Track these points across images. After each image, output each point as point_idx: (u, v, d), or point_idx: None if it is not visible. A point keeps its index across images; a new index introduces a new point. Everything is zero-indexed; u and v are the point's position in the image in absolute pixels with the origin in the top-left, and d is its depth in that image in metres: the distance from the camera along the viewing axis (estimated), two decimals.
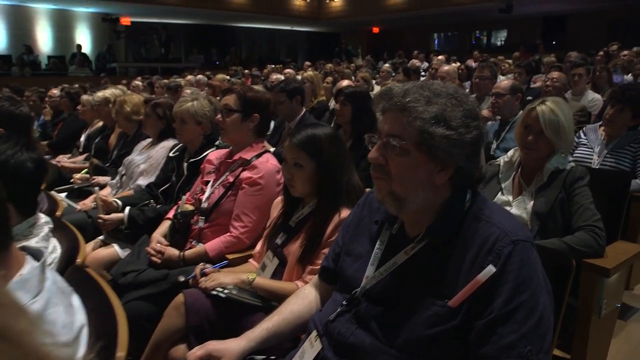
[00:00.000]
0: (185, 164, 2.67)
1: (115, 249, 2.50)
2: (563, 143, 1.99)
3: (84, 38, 16.45)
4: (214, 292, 1.63)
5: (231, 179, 2.19)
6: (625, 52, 7.13)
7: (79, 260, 1.53)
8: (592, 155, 2.86)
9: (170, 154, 2.87)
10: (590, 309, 1.80)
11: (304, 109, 3.63)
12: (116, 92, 4.24)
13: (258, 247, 1.95)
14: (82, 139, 4.66)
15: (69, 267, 1.44)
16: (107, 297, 1.25)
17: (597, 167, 2.80)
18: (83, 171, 3.82)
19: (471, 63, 9.23)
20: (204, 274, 1.74)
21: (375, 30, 20.32)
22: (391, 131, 1.11)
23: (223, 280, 1.67)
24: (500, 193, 2.12)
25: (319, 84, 4.97)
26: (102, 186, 3.49)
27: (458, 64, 8.61)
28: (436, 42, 20.77)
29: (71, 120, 5.13)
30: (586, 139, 2.96)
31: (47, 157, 4.98)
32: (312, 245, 1.67)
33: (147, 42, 15.98)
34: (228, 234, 2.10)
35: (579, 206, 1.91)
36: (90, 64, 15.20)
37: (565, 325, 1.76)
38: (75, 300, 1.12)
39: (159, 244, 2.17)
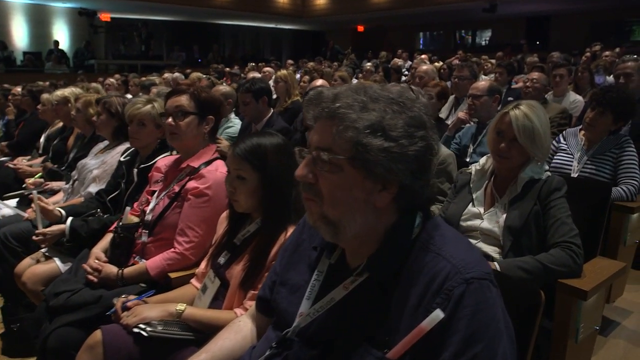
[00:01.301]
0: (135, 170, 2.46)
1: (57, 264, 2.28)
2: (538, 151, 1.83)
3: (62, 34, 16.03)
4: (136, 330, 1.42)
5: (177, 189, 1.99)
6: (607, 53, 7.04)
7: None
8: (572, 161, 2.71)
9: (121, 158, 2.65)
10: (566, 333, 1.64)
11: (272, 110, 3.43)
12: (76, 91, 4.00)
13: (202, 265, 1.76)
14: (42, 140, 4.40)
15: None
16: None
17: (577, 174, 2.65)
18: (37, 175, 3.58)
19: (455, 62, 9.09)
20: (125, 308, 1.53)
21: (360, 28, 20.15)
22: (320, 143, 0.92)
23: (147, 314, 1.47)
24: (471, 204, 1.95)
25: (293, 84, 4.77)
26: (54, 192, 3.27)
27: (440, 63, 8.47)
28: (421, 42, 20.68)
29: (32, 120, 4.87)
30: (566, 144, 2.81)
31: (5, 158, 4.75)
32: (255, 268, 1.48)
33: (126, 39, 15.61)
34: (171, 249, 1.89)
35: (555, 220, 1.75)
36: (67, 61, 14.80)
37: (539, 351, 1.59)
38: None
39: (96, 261, 1.97)
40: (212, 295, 1.60)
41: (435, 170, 2.25)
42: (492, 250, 1.82)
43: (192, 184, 1.93)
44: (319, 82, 4.55)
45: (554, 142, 2.90)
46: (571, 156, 2.73)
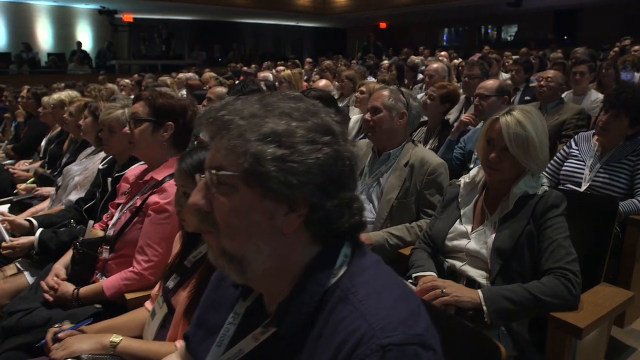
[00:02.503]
0: (109, 179, 2.34)
1: (26, 278, 2.18)
2: (533, 162, 1.61)
3: (85, 35, 16.25)
4: None
5: (139, 203, 1.85)
6: (637, 47, 6.62)
7: None
8: (584, 169, 2.46)
9: (100, 166, 2.54)
10: None
11: None
12: (72, 94, 3.94)
13: (156, 287, 1.61)
14: (43, 143, 4.36)
15: None
16: None
17: (588, 183, 2.40)
18: (29, 180, 3.52)
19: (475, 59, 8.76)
20: (57, 339, 1.40)
21: (383, 25, 19.81)
22: (212, 162, 0.77)
23: (77, 347, 1.33)
24: (458, 221, 1.74)
25: (297, 84, 4.60)
26: (45, 198, 3.19)
27: (459, 60, 8.16)
28: (445, 38, 20.21)
29: (35, 123, 4.84)
30: (577, 150, 2.56)
31: (10, 161, 4.74)
32: (199, 295, 1.32)
33: (147, 39, 15.72)
34: (129, 269, 1.76)
35: (551, 242, 1.54)
36: (90, 61, 14.99)
37: None
38: None
39: (54, 278, 1.85)
40: (159, 322, 1.46)
41: (425, 181, 2.05)
42: (478, 274, 1.62)
43: (153, 198, 1.79)
44: (322, 82, 4.40)
45: (564, 147, 2.66)
46: (583, 163, 2.48)
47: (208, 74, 7.66)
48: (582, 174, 2.44)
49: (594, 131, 2.56)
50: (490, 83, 3.17)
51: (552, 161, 2.65)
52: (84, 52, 15.06)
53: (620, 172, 2.35)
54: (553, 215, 1.57)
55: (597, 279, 1.65)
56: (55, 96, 3.95)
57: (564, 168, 2.55)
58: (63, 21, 15.85)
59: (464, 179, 1.82)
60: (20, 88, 6.48)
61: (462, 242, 1.69)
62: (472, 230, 1.69)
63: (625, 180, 2.33)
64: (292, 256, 0.79)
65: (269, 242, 0.76)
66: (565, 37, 14.98)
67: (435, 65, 4.63)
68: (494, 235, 1.62)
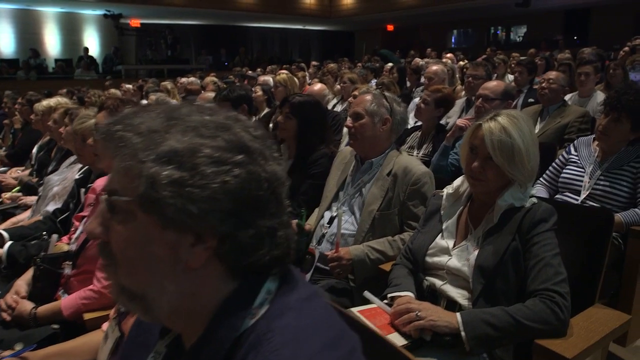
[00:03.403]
0: (82, 190, 2.25)
1: None
2: (519, 172, 1.48)
3: (92, 41, 16.35)
4: None
5: None
6: None
7: None
8: (583, 176, 2.31)
9: (77, 176, 2.45)
10: None
11: (254, 119, 3.17)
12: (62, 101, 3.87)
13: (115, 308, 1.51)
14: (34, 150, 4.30)
15: None
16: None
17: (588, 191, 2.25)
18: (14, 189, 3.45)
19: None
20: None
21: (390, 27, 19.65)
22: (108, 184, 0.67)
23: None
24: (440, 236, 1.61)
25: (293, 88, 4.48)
26: (27, 208, 3.12)
27: (464, 62, 8.00)
28: (453, 40, 20.00)
29: (30, 130, 4.79)
30: (577, 155, 2.41)
31: (4, 168, 4.69)
32: None
33: (153, 44, 15.76)
34: (89, 287, 1.66)
35: (538, 260, 1.40)
36: (96, 67, 15.06)
37: None
38: None
39: (14, 296, 1.75)
40: (110, 348, 1.35)
41: (408, 191, 1.92)
42: (459, 295, 1.49)
43: None
44: (317, 86, 4.28)
45: (563, 152, 2.51)
46: (582, 170, 2.33)
47: (209, 79, 7.57)
48: (582, 181, 2.29)
49: (594, 136, 2.41)
50: (495, 85, 3.01)
51: (550, 167, 2.51)
52: (91, 57, 15.14)
53: (621, 179, 2.20)
54: (541, 231, 1.44)
55: (591, 300, 1.51)
56: (45, 103, 3.89)
57: (562, 175, 2.40)
58: (70, 27, 15.97)
59: (447, 190, 1.69)
60: (22, 94, 6.46)
61: (442, 259, 1.55)
62: (453, 246, 1.56)
63: (627, 188, 2.18)
64: (203, 294, 0.68)
65: (173, 278, 0.66)
66: (575, 38, 14.70)
67: (434, 68, 4.49)
68: (476, 252, 1.49)
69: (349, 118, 2.04)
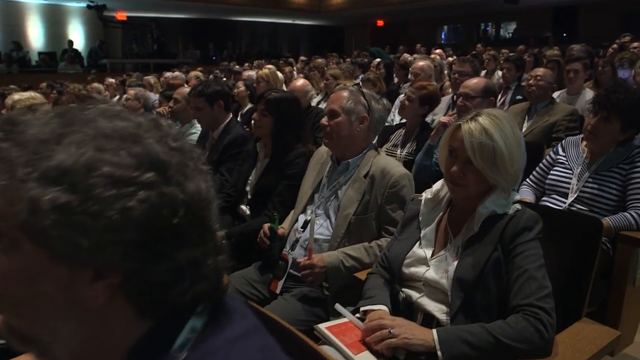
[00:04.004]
0: None
1: None
2: (501, 177, 1.37)
3: (77, 34, 16.05)
4: None
5: None
6: (636, 44, 6.37)
7: None
8: (571, 177, 2.22)
9: None
10: None
11: (231, 116, 3.04)
12: (33, 95, 3.70)
13: None
14: None
15: None
16: None
17: (576, 194, 2.16)
18: None
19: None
20: None
21: (380, 23, 19.55)
22: None
23: None
24: (417, 244, 1.50)
25: (276, 84, 4.35)
26: None
27: (453, 58, 7.91)
28: (443, 36, 19.94)
29: None
30: (564, 156, 2.31)
31: None
32: None
33: (139, 38, 15.50)
34: None
35: (521, 272, 1.29)
36: (81, 60, 14.78)
37: None
38: None
39: None
40: None
41: (386, 194, 1.81)
42: (437, 309, 1.38)
43: None
44: (300, 82, 4.16)
45: (551, 153, 2.41)
46: (570, 172, 2.23)
47: (193, 73, 7.40)
48: (570, 183, 2.20)
49: (583, 136, 2.31)
50: (475, 82, 2.92)
51: (537, 168, 2.41)
52: (76, 50, 14.86)
53: (611, 181, 2.10)
54: (525, 240, 1.33)
55: (578, 313, 1.41)
56: (16, 96, 3.71)
57: (549, 177, 2.30)
58: (54, 19, 15.65)
59: (425, 195, 1.58)
60: (3, 88, 6.24)
61: (420, 270, 1.44)
62: (432, 256, 1.45)
63: (616, 191, 2.08)
64: (111, 337, 0.56)
65: (71, 320, 0.54)
66: (565, 35, 14.69)
67: (421, 64, 4.38)
68: (456, 263, 1.38)
69: (325, 116, 1.92)
